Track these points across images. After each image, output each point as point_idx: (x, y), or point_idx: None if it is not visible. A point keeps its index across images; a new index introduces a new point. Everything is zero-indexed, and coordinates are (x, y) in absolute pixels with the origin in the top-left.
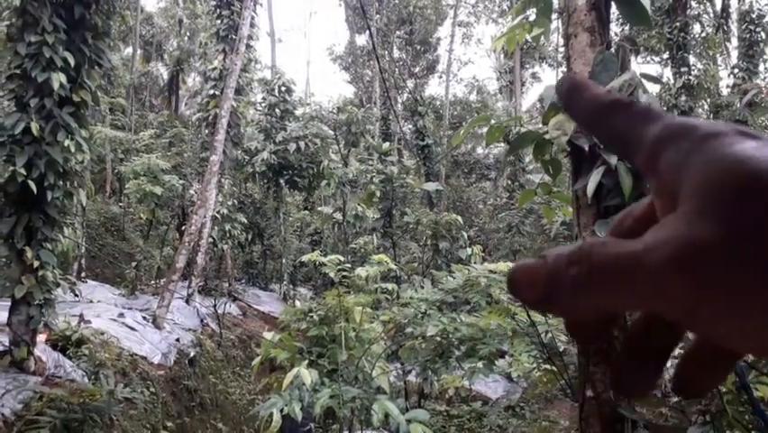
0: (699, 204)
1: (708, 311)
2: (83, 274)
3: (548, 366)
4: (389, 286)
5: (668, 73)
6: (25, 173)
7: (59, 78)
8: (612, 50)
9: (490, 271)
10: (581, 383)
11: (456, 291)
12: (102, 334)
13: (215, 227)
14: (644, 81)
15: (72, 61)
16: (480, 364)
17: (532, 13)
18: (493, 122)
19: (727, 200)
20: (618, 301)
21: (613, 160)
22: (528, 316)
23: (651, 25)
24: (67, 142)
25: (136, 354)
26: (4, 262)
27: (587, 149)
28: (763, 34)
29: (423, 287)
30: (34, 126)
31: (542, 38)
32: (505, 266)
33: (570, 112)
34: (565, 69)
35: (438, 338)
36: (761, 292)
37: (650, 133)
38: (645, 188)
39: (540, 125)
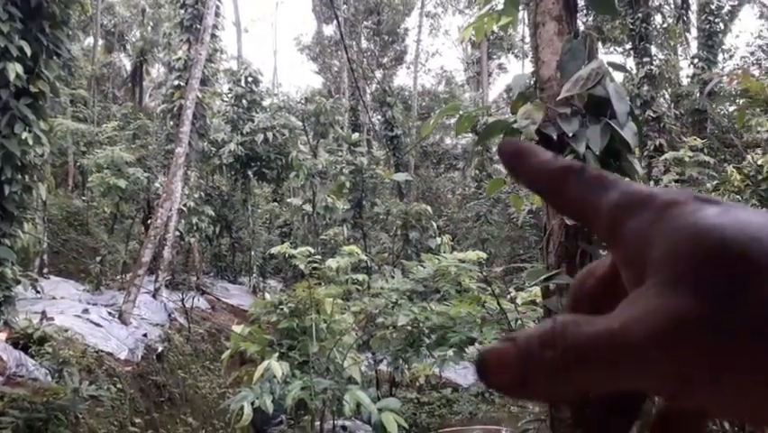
0: (670, 275)
1: (697, 384)
2: (45, 270)
3: None
4: (360, 277)
5: (630, 63)
6: None
7: (15, 69)
8: (579, 39)
9: (460, 261)
10: None
11: (426, 281)
12: (66, 331)
13: (182, 220)
14: (610, 70)
15: (29, 51)
16: (450, 352)
17: (499, 3)
18: (462, 112)
19: (699, 270)
20: (599, 382)
21: (581, 148)
22: (498, 303)
23: (618, 14)
24: (24, 135)
25: (102, 351)
26: None
27: (555, 137)
28: (721, 25)
29: (393, 277)
30: None
31: (509, 27)
32: (474, 255)
33: (516, 178)
34: (532, 59)
35: (409, 327)
36: (748, 359)
37: (607, 202)
38: None
39: (508, 115)
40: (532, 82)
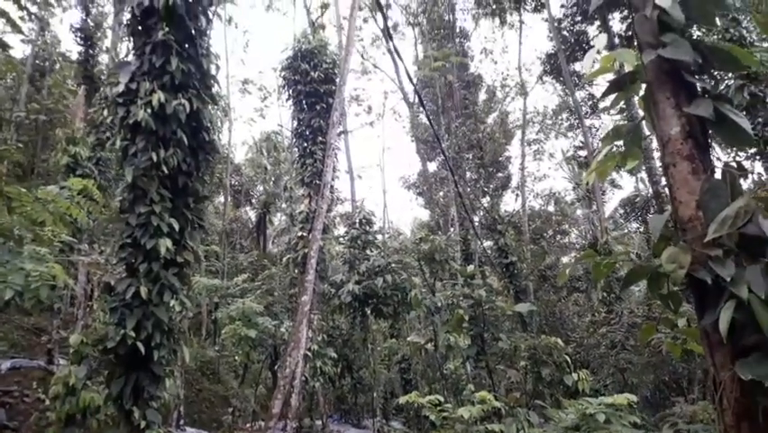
0: None
1: None
2: (181, 422)
3: None
4: (496, 428)
5: (759, 168)
6: (134, 335)
7: (165, 244)
8: (719, 177)
9: (607, 406)
10: None
11: (573, 430)
12: None
13: (307, 365)
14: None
15: (176, 226)
16: None
17: (620, 146)
18: (599, 259)
19: None
20: None
21: (743, 293)
22: None
23: (755, 145)
24: (172, 303)
25: None
26: (113, 422)
27: (710, 282)
28: None
29: (530, 422)
30: (143, 290)
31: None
32: (624, 399)
33: None
34: (647, 175)
35: None
36: None
37: None
38: None
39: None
40: (671, 224)
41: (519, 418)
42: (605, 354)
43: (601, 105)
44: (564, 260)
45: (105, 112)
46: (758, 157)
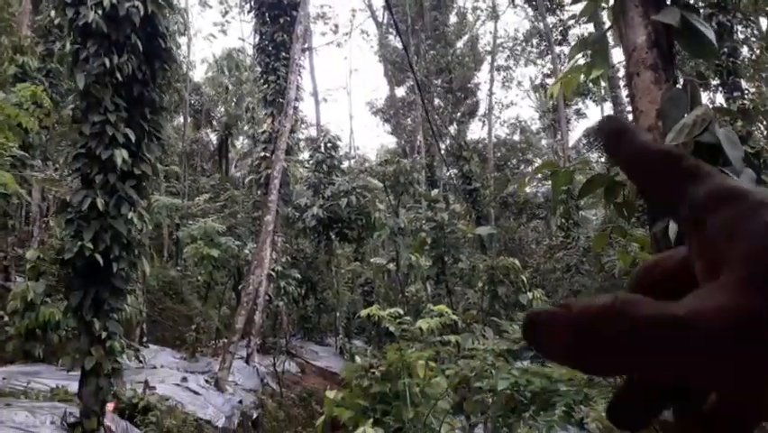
0: (750, 274)
1: (753, 383)
2: (145, 339)
3: None
4: (452, 338)
5: (720, 99)
6: (92, 247)
7: (121, 154)
8: (680, 86)
9: None
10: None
11: (522, 340)
12: (167, 400)
13: (271, 285)
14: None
15: (133, 137)
16: (556, 417)
17: (586, 56)
18: (559, 168)
19: None
20: (647, 365)
21: None
22: None
23: (718, 56)
24: (130, 215)
25: (201, 419)
26: (74, 334)
27: None
28: None
29: (485, 336)
30: (99, 202)
31: (600, 79)
32: None
33: (611, 155)
34: (612, 105)
35: (509, 391)
36: None
37: (697, 193)
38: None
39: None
40: None
41: (475, 333)
42: (560, 277)
43: (572, 32)
44: (527, 189)
45: (53, 13)
46: (721, 88)
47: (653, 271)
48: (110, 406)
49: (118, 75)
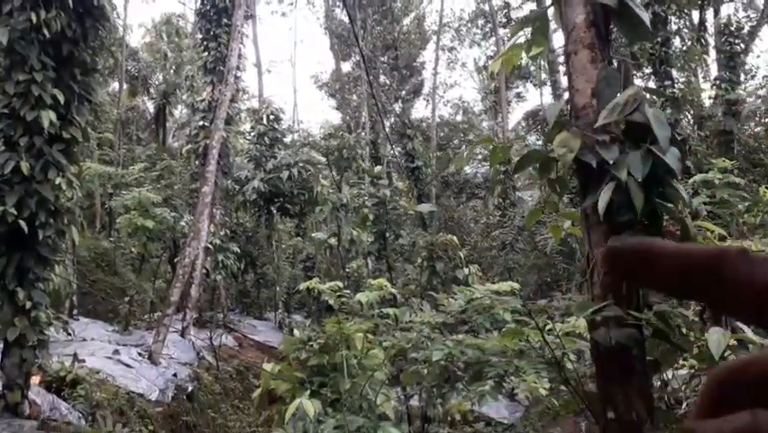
0: None
1: None
2: (75, 312)
3: (563, 387)
4: (390, 311)
5: (651, 86)
6: (16, 213)
7: (48, 116)
8: (614, 66)
9: (494, 292)
10: (602, 405)
11: (459, 313)
12: (97, 373)
13: (208, 258)
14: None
15: (62, 98)
16: (488, 387)
17: (527, 34)
18: (495, 144)
19: None
20: None
21: (623, 175)
22: (543, 337)
23: (651, 39)
24: (58, 180)
25: (133, 392)
26: None
27: (595, 165)
28: (742, 45)
29: (422, 309)
30: (24, 165)
31: (540, 57)
32: (508, 286)
33: (640, 281)
34: (551, 89)
35: (443, 362)
36: None
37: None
38: (657, 204)
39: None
40: (566, 111)
41: (413, 306)
42: (496, 255)
43: (515, 14)
44: (467, 169)
45: None
46: (654, 77)
47: (751, 369)
48: (35, 379)
49: (45, 31)
